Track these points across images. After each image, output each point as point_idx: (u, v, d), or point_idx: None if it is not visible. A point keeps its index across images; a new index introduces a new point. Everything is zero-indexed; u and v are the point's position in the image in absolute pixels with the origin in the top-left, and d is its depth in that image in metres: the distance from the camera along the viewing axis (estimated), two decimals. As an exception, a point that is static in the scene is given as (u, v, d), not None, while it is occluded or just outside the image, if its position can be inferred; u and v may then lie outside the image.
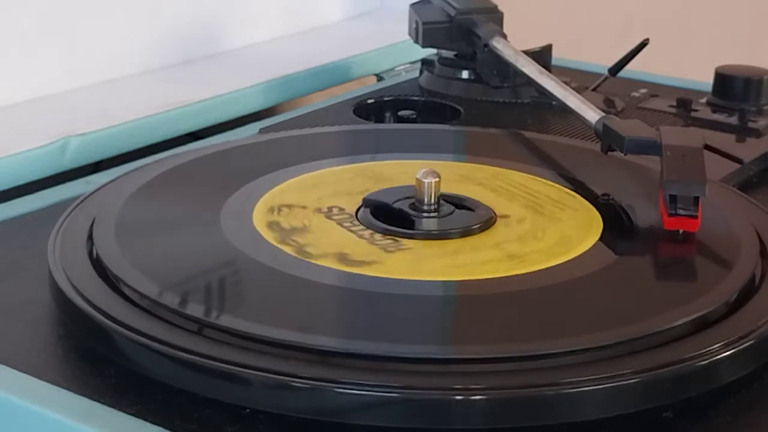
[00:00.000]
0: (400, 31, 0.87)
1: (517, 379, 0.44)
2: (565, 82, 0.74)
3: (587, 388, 0.44)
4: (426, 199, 0.57)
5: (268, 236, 0.54)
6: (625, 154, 0.61)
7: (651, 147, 0.59)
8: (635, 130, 0.61)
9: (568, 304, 0.50)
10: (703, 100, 0.80)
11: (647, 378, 0.44)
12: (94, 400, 0.45)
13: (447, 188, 0.58)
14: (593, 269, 0.52)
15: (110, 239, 0.54)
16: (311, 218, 0.57)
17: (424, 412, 0.43)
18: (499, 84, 0.81)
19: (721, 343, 0.47)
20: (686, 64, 0.99)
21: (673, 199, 0.55)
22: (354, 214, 0.57)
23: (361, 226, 0.56)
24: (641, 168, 0.63)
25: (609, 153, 0.63)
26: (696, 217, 0.55)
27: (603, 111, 0.66)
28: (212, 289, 0.50)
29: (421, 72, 0.86)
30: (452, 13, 0.81)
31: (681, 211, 0.55)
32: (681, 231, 0.55)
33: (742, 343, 0.47)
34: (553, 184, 0.62)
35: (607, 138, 0.63)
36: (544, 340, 0.46)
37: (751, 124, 0.76)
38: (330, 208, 0.58)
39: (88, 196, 0.59)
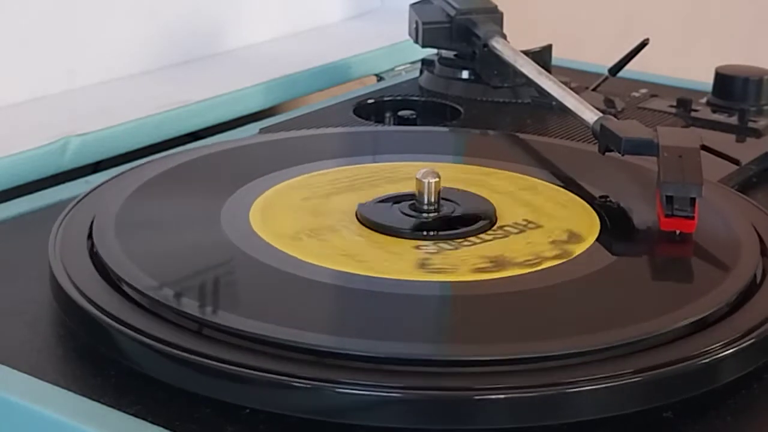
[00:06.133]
0: (400, 31, 0.87)
1: (517, 380, 0.44)
2: (565, 83, 0.74)
3: (588, 388, 0.44)
4: (426, 199, 0.57)
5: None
6: (623, 155, 0.61)
7: (648, 147, 0.59)
8: (632, 130, 0.61)
9: (570, 305, 0.50)
10: (703, 100, 0.80)
11: (648, 377, 0.44)
12: (94, 400, 0.45)
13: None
14: (593, 270, 0.52)
15: (111, 237, 0.54)
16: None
17: (424, 413, 0.43)
18: (499, 84, 0.81)
19: (722, 343, 0.47)
20: (686, 64, 0.99)
21: (669, 199, 0.55)
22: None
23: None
24: (639, 168, 0.63)
25: (606, 153, 0.63)
26: (693, 217, 0.55)
27: (603, 111, 0.66)
28: (212, 288, 0.50)
29: (421, 72, 0.86)
30: (452, 13, 0.81)
31: (678, 212, 0.55)
32: (678, 232, 0.55)
33: (743, 343, 0.47)
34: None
35: (605, 138, 0.63)
36: (544, 341, 0.46)
37: (751, 124, 0.76)
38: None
39: (88, 194, 0.59)
